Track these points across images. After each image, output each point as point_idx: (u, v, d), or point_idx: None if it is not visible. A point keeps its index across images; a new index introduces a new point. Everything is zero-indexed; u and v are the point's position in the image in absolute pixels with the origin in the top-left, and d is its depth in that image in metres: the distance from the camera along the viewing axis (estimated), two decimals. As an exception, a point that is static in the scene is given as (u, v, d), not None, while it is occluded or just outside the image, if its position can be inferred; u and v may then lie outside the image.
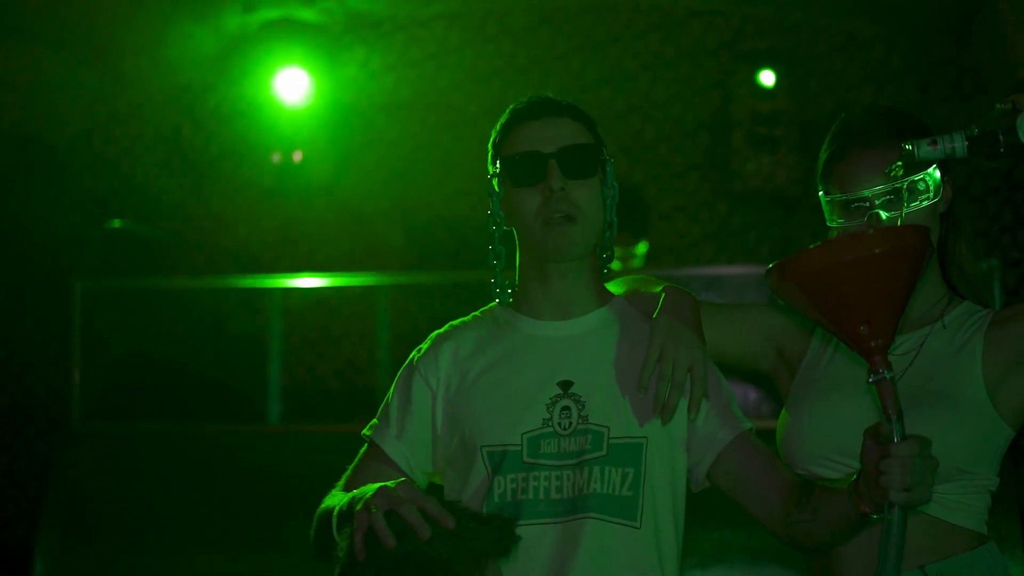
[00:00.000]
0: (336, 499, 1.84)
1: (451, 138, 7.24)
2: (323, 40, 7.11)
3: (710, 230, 7.24)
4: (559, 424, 1.93)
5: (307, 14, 6.94)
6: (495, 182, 2.02)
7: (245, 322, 6.80)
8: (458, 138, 7.17)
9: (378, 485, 1.70)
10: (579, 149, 1.97)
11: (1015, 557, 4.23)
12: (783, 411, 2.15)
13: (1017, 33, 5.15)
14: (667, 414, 1.91)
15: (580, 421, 1.93)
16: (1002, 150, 1.84)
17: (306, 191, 7.19)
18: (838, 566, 2.02)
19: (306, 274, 6.54)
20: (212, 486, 5.29)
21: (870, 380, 1.74)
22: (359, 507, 1.66)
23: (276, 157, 7.14)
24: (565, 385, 1.95)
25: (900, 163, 1.92)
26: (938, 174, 2.05)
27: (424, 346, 2.05)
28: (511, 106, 2.03)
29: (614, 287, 2.13)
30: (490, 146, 2.05)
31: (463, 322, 2.08)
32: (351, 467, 2.03)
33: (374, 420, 2.05)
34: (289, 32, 6.94)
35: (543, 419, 1.93)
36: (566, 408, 1.94)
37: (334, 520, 1.77)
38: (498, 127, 2.04)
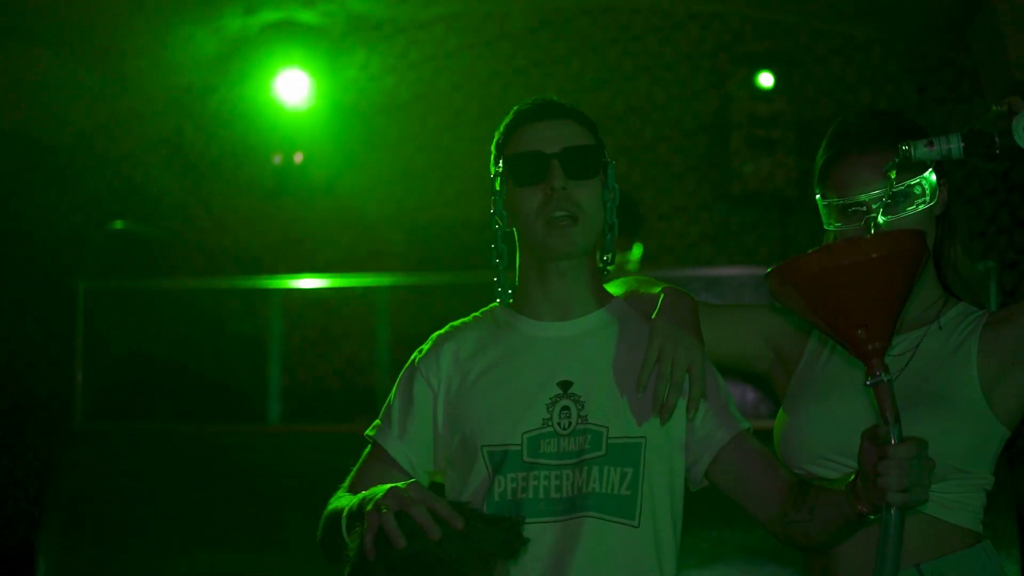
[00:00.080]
0: (344, 500, 1.85)
1: (451, 139, 7.25)
2: (324, 42, 7.11)
3: (709, 231, 7.25)
4: (559, 424, 1.94)
5: (308, 16, 6.94)
6: (497, 182, 2.03)
7: (246, 322, 6.80)
8: (458, 139, 7.19)
9: (388, 486, 1.71)
10: (581, 150, 1.99)
11: (1011, 555, 4.25)
12: (780, 411, 2.16)
13: (1014, 35, 5.15)
14: (665, 414, 1.93)
15: (579, 421, 1.94)
16: (998, 152, 1.85)
17: (307, 192, 7.20)
18: (836, 565, 2.02)
19: (307, 275, 6.54)
20: (212, 486, 5.30)
21: (867, 383, 1.74)
22: (369, 508, 1.67)
23: (277, 158, 7.16)
24: (565, 385, 1.96)
25: (896, 160, 1.93)
26: (934, 177, 2.06)
27: (425, 347, 2.07)
28: (515, 108, 2.05)
29: (613, 288, 2.14)
30: (493, 146, 2.07)
31: (464, 323, 2.09)
32: (355, 468, 2.05)
33: (377, 421, 2.06)
34: (290, 34, 6.94)
35: (543, 419, 1.94)
36: (566, 408, 1.95)
37: (344, 521, 1.78)
38: (502, 128, 2.05)
